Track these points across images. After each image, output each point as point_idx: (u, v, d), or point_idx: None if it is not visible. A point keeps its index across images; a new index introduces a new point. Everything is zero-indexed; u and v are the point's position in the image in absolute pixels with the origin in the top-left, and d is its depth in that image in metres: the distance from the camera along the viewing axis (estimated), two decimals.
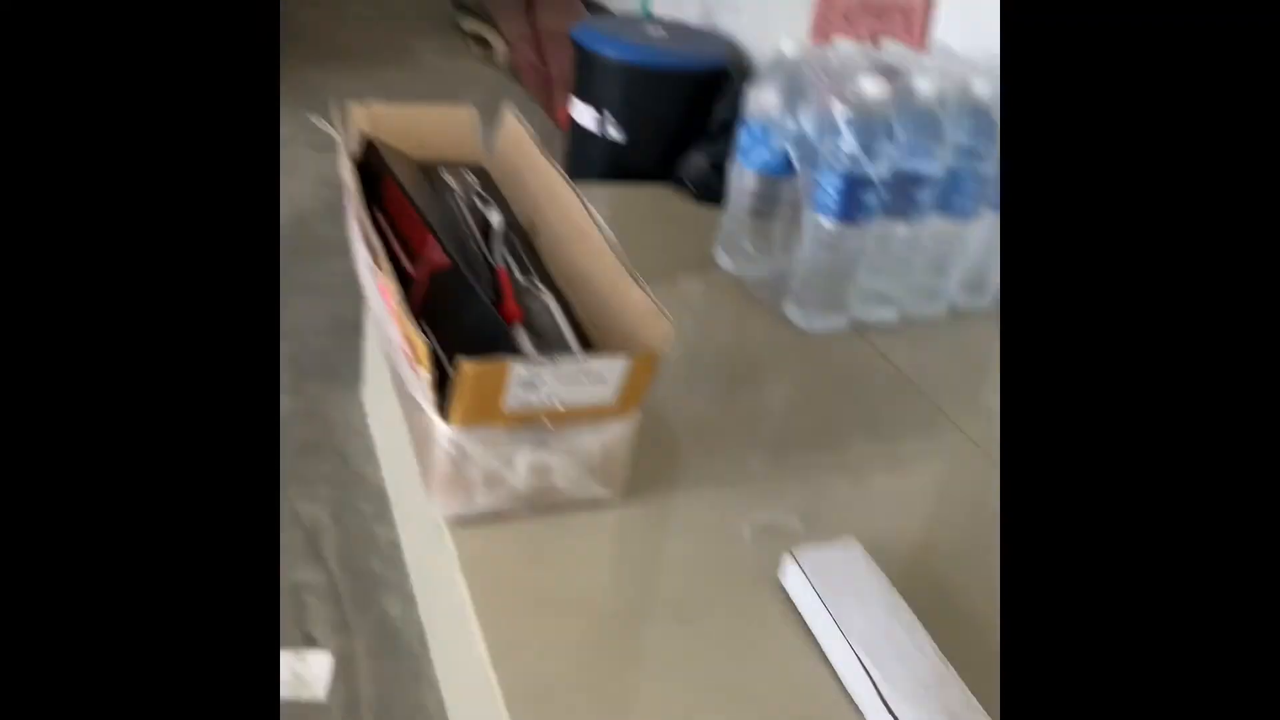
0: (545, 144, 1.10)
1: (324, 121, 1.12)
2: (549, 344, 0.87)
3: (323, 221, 1.58)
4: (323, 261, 1.45)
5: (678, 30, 1.62)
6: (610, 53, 1.44)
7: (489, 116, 1.20)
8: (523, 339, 0.86)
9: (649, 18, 1.86)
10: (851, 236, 1.11)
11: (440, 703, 0.89)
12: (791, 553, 0.77)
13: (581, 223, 0.96)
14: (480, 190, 1.10)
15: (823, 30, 1.51)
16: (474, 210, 1.06)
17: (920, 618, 0.74)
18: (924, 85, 1.10)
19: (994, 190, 1.18)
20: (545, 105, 2.20)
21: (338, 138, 1.06)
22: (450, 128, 1.20)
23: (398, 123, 1.16)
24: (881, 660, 0.69)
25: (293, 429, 1.20)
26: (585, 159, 1.53)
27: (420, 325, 0.76)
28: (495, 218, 1.00)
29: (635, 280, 0.84)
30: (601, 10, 2.71)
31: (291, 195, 1.64)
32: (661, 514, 0.87)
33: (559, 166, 1.04)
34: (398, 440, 0.98)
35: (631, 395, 0.78)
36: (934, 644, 0.71)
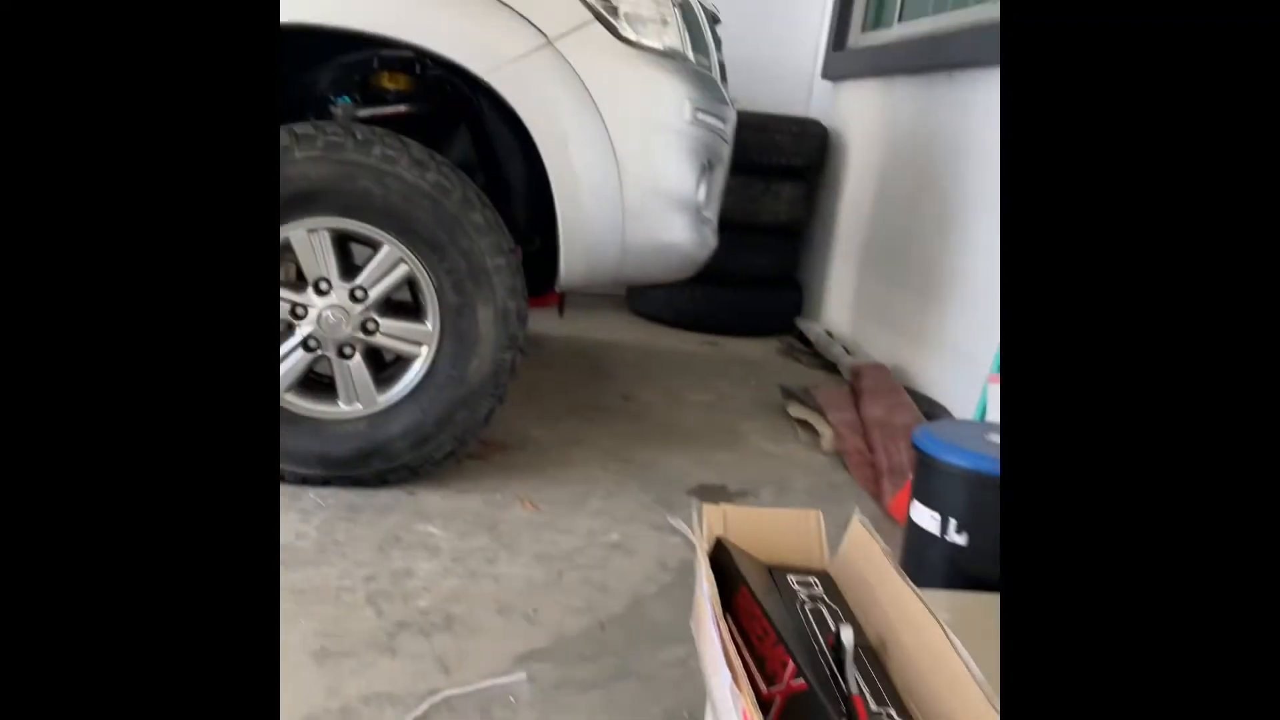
0: (879, 534, 1.09)
1: (679, 521, 1.19)
2: None
3: (658, 605, 1.62)
4: (657, 649, 1.47)
5: None
6: (953, 459, 1.44)
7: (817, 504, 1.22)
8: None
9: (985, 422, 1.87)
10: None
11: None
12: None
13: (940, 648, 0.91)
14: (828, 599, 1.09)
15: None
16: (821, 621, 1.05)
17: None
18: None
19: None
20: (873, 493, 2.21)
21: (696, 541, 1.11)
22: (796, 531, 1.23)
23: (746, 523, 1.21)
24: None
25: None
26: (924, 561, 1.49)
27: None
28: (847, 635, 0.98)
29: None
30: (926, 400, 2.77)
31: (628, 575, 1.72)
32: None
33: (911, 582, 1.01)
34: None
35: None
36: None
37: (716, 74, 2.14)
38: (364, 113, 1.97)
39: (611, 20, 1.82)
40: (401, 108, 2.01)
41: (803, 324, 3.90)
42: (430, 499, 1.94)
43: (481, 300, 1.86)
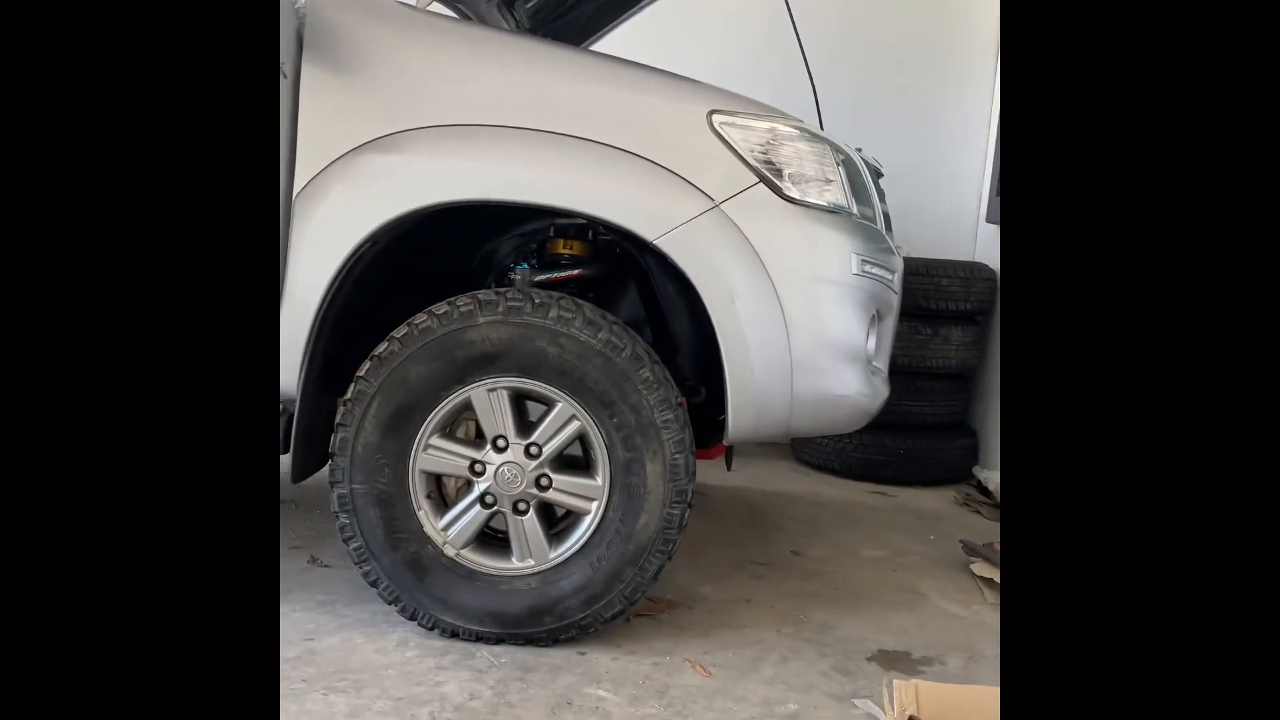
0: None
1: (869, 704, 1.12)
2: None
3: None
4: None
5: None
6: None
7: None
8: None
9: None
10: None
11: None
12: None
13: None
14: None
15: None
16: None
17: None
18: None
19: None
20: None
21: None
22: (994, 709, 1.12)
23: (943, 701, 1.11)
24: None
25: None
26: None
27: None
28: None
29: None
30: None
31: None
32: None
33: None
34: None
35: None
36: None
37: (881, 225, 2.14)
38: (540, 277, 2.08)
39: (776, 181, 1.87)
40: (575, 271, 2.10)
41: (981, 473, 3.71)
42: (600, 660, 1.91)
43: (650, 455, 1.87)
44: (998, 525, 3.19)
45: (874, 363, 2.01)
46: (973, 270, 3.74)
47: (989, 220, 4.08)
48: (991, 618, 2.31)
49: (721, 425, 1.95)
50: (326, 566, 2.31)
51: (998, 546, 2.69)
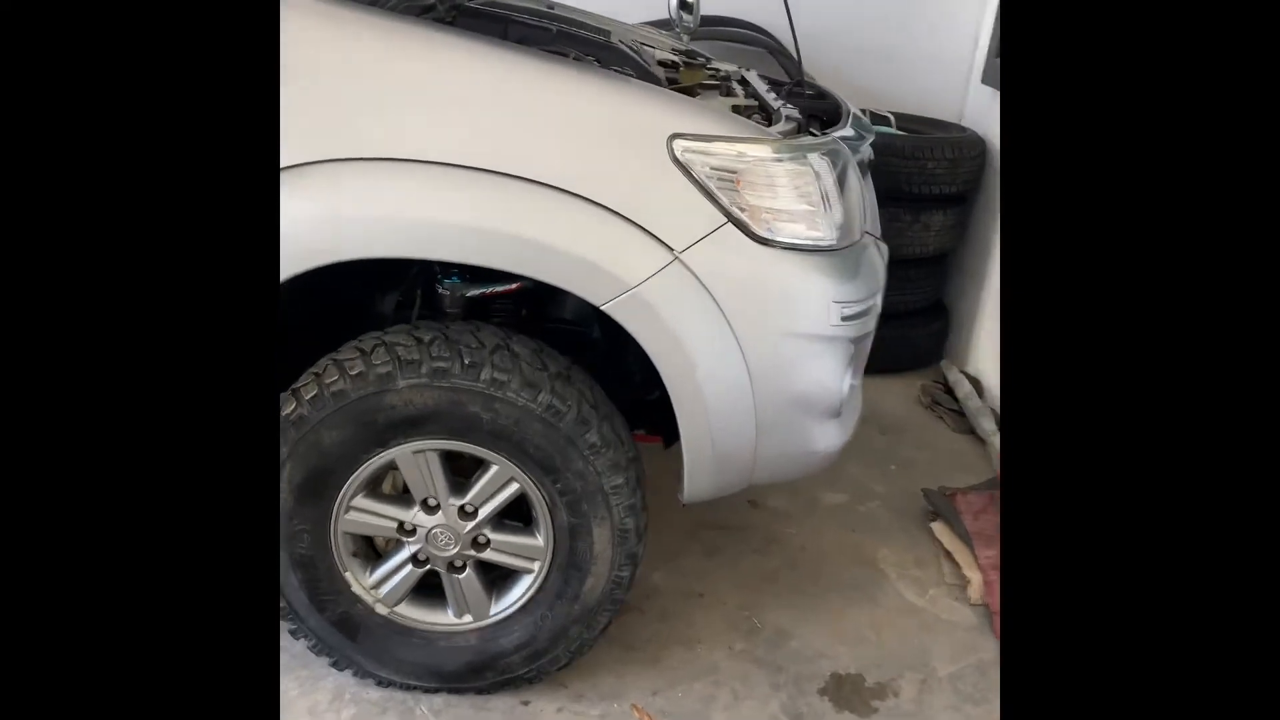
0: None
1: None
2: None
3: None
4: None
5: None
6: None
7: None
8: None
9: None
10: None
11: None
12: None
13: None
14: None
15: None
16: None
17: None
18: None
19: None
20: None
21: None
22: None
23: None
24: None
25: None
26: None
27: None
28: None
29: None
30: None
31: None
32: None
33: None
34: None
35: None
36: None
37: (864, 215, 1.85)
38: (474, 293, 1.79)
39: (745, 220, 1.57)
40: (512, 285, 1.81)
41: (948, 369, 3.58)
42: (545, 711, 1.84)
43: (598, 520, 1.70)
44: (960, 438, 3.11)
45: (851, 399, 1.81)
46: (961, 149, 3.39)
47: (984, 82, 3.67)
48: (949, 609, 2.27)
49: (674, 424, 1.74)
50: None
51: (959, 497, 2.62)
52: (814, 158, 1.62)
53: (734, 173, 1.56)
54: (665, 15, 2.66)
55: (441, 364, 1.59)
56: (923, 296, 3.65)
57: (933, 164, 3.35)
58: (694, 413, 1.64)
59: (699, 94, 1.97)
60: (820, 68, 3.27)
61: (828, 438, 1.75)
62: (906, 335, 3.62)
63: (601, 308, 1.55)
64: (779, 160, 1.59)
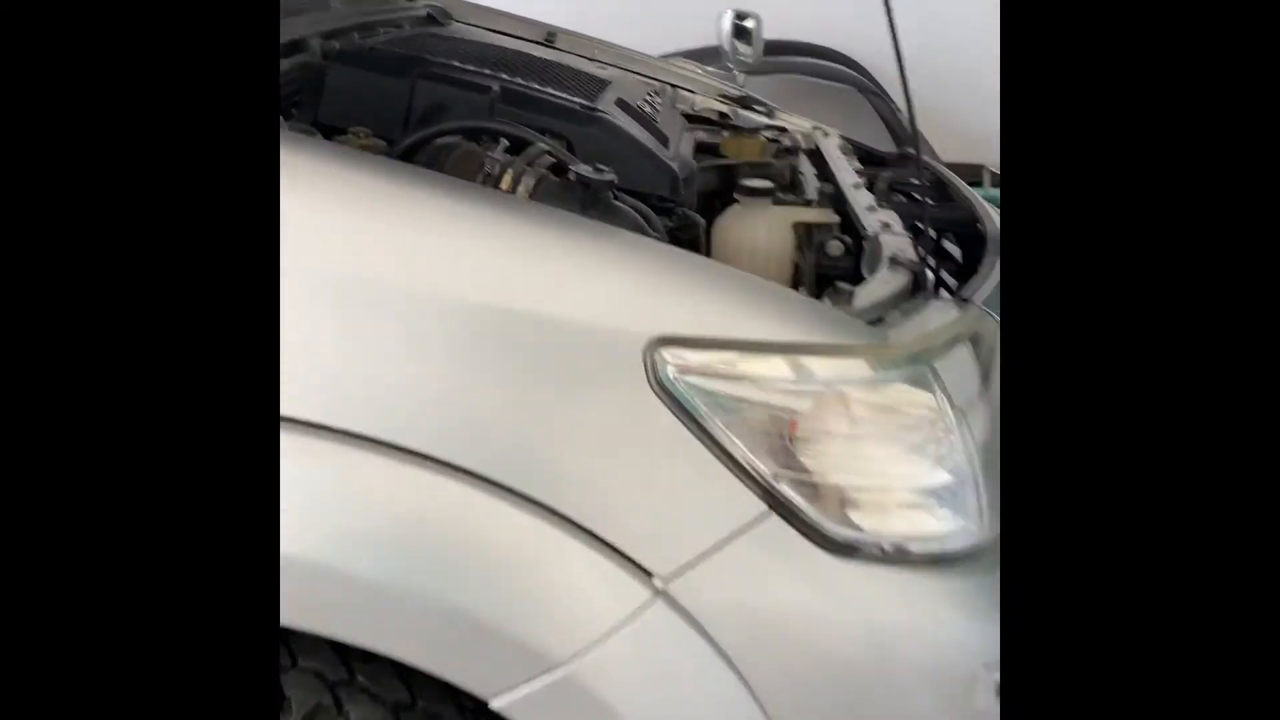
0: None
1: None
2: None
3: None
4: None
5: None
6: None
7: None
8: None
9: None
10: None
11: None
12: None
13: None
14: None
15: None
16: None
17: None
18: None
19: None
20: None
21: None
22: None
23: None
24: None
25: None
26: None
27: None
28: None
29: None
30: None
31: None
32: None
33: None
34: None
35: None
36: None
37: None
38: None
39: (804, 509, 0.76)
40: None
41: None
42: None
43: None
44: None
45: None
46: None
47: None
48: None
49: None
50: None
51: None
52: (949, 366, 0.81)
53: (785, 412, 0.76)
54: (715, 41, 1.94)
55: None
56: None
57: None
58: None
59: (750, 187, 1.19)
60: (931, 109, 2.36)
61: None
62: None
63: (491, 704, 0.75)
64: (879, 383, 0.78)
